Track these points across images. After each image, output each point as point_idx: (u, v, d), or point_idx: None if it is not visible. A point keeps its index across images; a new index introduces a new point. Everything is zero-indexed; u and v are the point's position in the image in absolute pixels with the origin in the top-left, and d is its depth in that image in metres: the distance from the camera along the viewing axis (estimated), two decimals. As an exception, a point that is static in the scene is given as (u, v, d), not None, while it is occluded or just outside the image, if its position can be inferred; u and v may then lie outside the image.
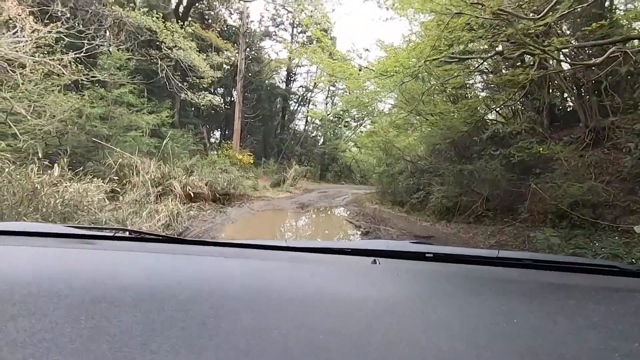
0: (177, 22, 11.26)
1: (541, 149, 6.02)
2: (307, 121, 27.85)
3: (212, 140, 23.53)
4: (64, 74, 6.31)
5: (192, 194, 7.08)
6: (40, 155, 4.71)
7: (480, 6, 3.25)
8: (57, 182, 4.17)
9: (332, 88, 28.36)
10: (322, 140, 28.68)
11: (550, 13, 3.19)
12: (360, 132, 30.13)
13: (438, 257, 1.12)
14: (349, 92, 19.46)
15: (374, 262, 1.01)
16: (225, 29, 21.80)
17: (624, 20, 6.03)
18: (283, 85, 26.30)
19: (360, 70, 5.37)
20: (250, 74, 22.41)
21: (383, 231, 6.60)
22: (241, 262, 0.96)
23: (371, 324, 0.60)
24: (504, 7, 3.22)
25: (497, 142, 8.33)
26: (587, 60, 6.15)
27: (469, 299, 0.76)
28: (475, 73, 8.88)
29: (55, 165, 4.42)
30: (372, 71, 5.43)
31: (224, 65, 21.79)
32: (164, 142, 8.11)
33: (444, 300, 0.74)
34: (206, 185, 7.76)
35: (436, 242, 6.20)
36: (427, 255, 1.12)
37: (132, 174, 7.08)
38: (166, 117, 9.88)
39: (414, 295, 0.77)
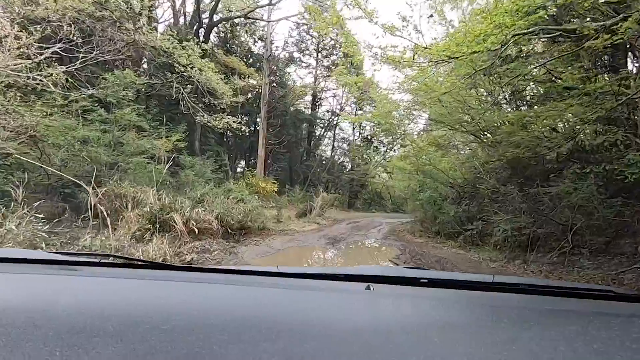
0: (193, 41, 10.48)
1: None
2: (333, 147, 26.64)
3: (239, 169, 22.71)
4: (49, 88, 5.31)
5: (197, 230, 5.74)
6: None
7: None
8: None
9: (359, 112, 27.23)
10: (349, 166, 27.25)
11: None
12: (390, 156, 28.59)
13: (433, 283, 1.08)
14: (376, 107, 18.13)
15: (368, 287, 0.97)
16: (249, 55, 21.45)
17: None
18: (308, 111, 25.42)
19: (417, 52, 3.92)
20: (274, 100, 21.71)
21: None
22: (231, 289, 0.93)
23: (368, 354, 0.57)
24: None
25: (581, 158, 6.51)
26: None
27: (467, 326, 0.73)
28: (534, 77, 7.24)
29: None
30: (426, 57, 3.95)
31: (249, 94, 21.30)
32: (164, 168, 6.94)
33: (442, 328, 0.71)
34: (216, 218, 6.42)
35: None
36: (422, 280, 1.08)
37: (128, 207, 5.87)
38: (177, 141, 8.80)
39: (411, 323, 0.73)
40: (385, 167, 26.83)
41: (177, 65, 9.87)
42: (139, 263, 1.25)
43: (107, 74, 7.67)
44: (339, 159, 27.65)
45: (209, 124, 10.35)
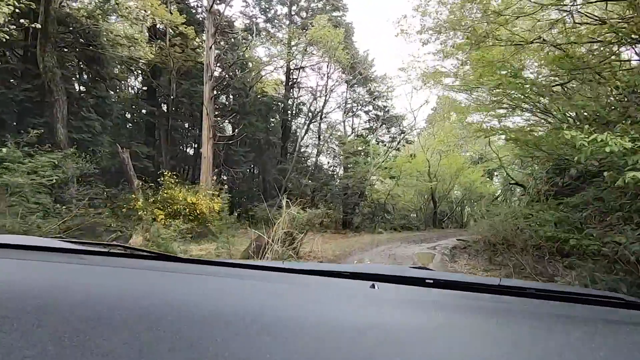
0: None
1: None
2: (319, 142, 19.39)
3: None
4: None
5: None
6: None
7: None
8: None
9: (349, 91, 20.30)
10: (341, 170, 20.17)
11: None
12: (393, 156, 21.69)
13: (438, 284, 1.05)
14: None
15: (373, 286, 0.95)
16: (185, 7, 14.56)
17: None
18: (281, 96, 18.39)
19: None
20: (225, 73, 14.77)
21: None
22: (237, 283, 0.93)
23: (370, 352, 0.55)
24: None
25: None
26: None
27: (471, 328, 0.71)
28: None
29: None
30: None
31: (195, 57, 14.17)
32: None
33: (446, 329, 0.68)
34: None
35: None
36: (427, 281, 1.05)
37: None
38: None
39: (414, 322, 0.71)
40: (390, 169, 19.93)
41: None
42: (148, 254, 1.22)
43: None
44: (328, 161, 20.52)
45: None
